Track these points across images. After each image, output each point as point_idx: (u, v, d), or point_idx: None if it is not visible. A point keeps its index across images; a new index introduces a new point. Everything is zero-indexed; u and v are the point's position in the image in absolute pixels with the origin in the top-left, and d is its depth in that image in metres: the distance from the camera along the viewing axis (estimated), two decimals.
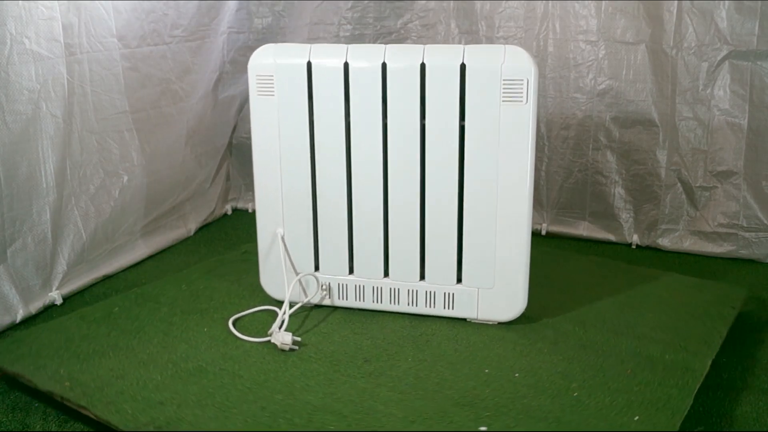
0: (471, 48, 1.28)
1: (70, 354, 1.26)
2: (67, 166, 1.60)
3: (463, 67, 1.27)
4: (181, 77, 1.94)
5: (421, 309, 1.40)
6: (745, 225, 1.85)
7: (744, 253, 1.86)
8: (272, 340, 1.29)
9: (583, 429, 1.06)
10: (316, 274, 1.42)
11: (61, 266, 1.61)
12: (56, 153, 1.55)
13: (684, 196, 1.91)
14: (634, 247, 1.97)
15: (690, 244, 1.92)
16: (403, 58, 1.29)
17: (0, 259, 1.47)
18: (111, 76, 1.70)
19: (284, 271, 1.40)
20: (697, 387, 1.17)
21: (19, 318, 1.49)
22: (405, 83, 1.29)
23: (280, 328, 1.32)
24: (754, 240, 1.85)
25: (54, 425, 1.17)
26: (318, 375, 1.20)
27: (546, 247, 1.82)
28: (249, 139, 1.42)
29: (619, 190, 1.97)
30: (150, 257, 1.88)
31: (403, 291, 1.40)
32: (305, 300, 1.43)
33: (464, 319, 1.39)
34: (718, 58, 1.78)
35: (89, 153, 1.66)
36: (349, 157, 1.35)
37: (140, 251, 1.85)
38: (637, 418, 1.08)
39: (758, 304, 1.61)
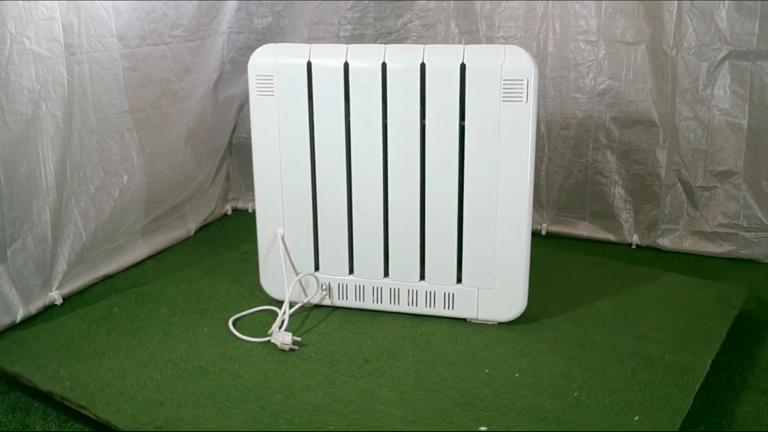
0: (471, 48, 1.28)
1: (70, 354, 1.26)
2: (67, 166, 1.60)
3: (463, 67, 1.27)
4: (181, 77, 1.94)
5: (421, 309, 1.40)
6: (745, 225, 1.85)
7: (744, 253, 1.86)
8: (272, 340, 1.29)
9: (584, 429, 1.06)
10: (316, 274, 1.42)
11: (61, 266, 1.61)
12: (56, 153, 1.55)
13: (684, 196, 1.91)
14: (634, 247, 1.97)
15: (690, 244, 1.92)
16: (403, 58, 1.29)
17: (0, 259, 1.47)
18: (111, 76, 1.70)
19: (284, 271, 1.40)
20: (697, 387, 1.17)
21: (19, 318, 1.49)
22: (405, 83, 1.29)
23: (280, 328, 1.32)
24: (754, 240, 1.85)
25: (54, 425, 1.17)
26: (318, 375, 1.20)
27: (546, 247, 1.82)
28: (249, 139, 1.42)
29: (619, 190, 1.97)
30: (150, 257, 1.88)
31: (403, 291, 1.40)
32: (305, 300, 1.43)
33: (464, 319, 1.39)
34: (718, 58, 1.78)
35: (89, 153, 1.66)
36: (349, 158, 1.35)
37: (140, 251, 1.85)
38: (637, 418, 1.08)
39: (758, 304, 1.61)
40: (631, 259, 1.85)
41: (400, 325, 1.38)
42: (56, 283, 1.60)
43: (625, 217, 1.98)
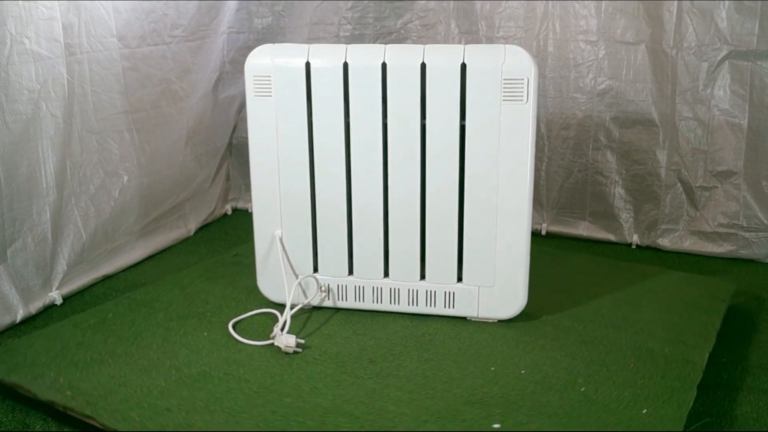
0: (471, 48, 1.28)
1: (67, 362, 1.24)
2: (67, 166, 1.60)
3: (463, 66, 1.27)
4: (181, 77, 1.94)
5: (422, 309, 1.40)
6: (745, 225, 1.85)
7: (744, 253, 1.86)
8: (275, 343, 1.28)
9: (594, 424, 1.07)
10: (316, 275, 1.42)
11: (61, 266, 1.61)
12: (56, 153, 1.55)
13: (684, 196, 1.91)
14: (634, 247, 1.97)
15: (690, 244, 1.92)
16: (403, 58, 1.29)
17: (0, 259, 1.47)
18: (111, 76, 1.70)
19: (284, 274, 1.40)
20: (699, 379, 1.19)
21: (19, 318, 1.49)
22: (405, 83, 1.29)
23: (282, 330, 1.31)
24: (754, 240, 1.85)
25: (54, 425, 1.17)
26: (325, 377, 1.20)
27: (546, 246, 1.82)
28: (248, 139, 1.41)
29: (619, 190, 1.97)
30: (150, 257, 1.87)
31: (403, 291, 1.40)
32: (305, 302, 1.43)
33: (464, 318, 1.39)
34: (718, 58, 1.79)
35: (89, 153, 1.66)
36: (348, 158, 1.35)
37: (140, 251, 1.85)
38: (645, 411, 1.09)
39: (758, 304, 1.61)
40: (631, 259, 1.85)
41: (401, 324, 1.38)
42: (56, 283, 1.60)
43: (625, 217, 1.98)
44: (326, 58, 1.31)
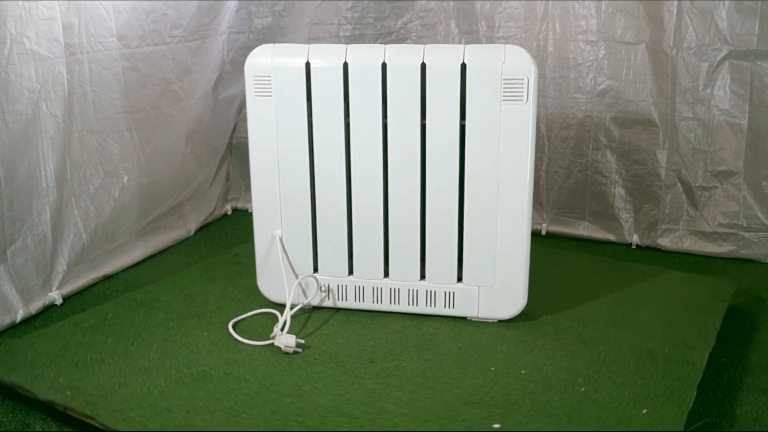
0: (471, 48, 1.28)
1: (67, 362, 1.23)
2: (67, 166, 1.60)
3: (463, 66, 1.27)
4: (181, 77, 1.94)
5: (422, 309, 1.40)
6: (745, 225, 1.85)
7: (744, 253, 1.86)
8: (276, 343, 1.28)
9: (594, 424, 1.07)
10: (316, 275, 1.42)
11: (61, 266, 1.61)
12: (56, 153, 1.55)
13: (684, 196, 1.91)
14: (634, 247, 1.97)
15: (690, 244, 1.92)
16: (403, 58, 1.29)
17: (0, 259, 1.47)
18: (111, 76, 1.70)
19: (284, 274, 1.40)
20: (699, 379, 1.19)
21: (19, 318, 1.49)
22: (405, 83, 1.29)
23: (282, 330, 1.31)
24: (754, 240, 1.85)
25: (54, 425, 1.17)
26: (325, 377, 1.20)
27: (546, 246, 1.82)
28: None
29: (619, 190, 1.97)
30: (150, 257, 1.88)
31: (403, 291, 1.40)
32: (305, 302, 1.43)
33: (464, 318, 1.39)
34: (718, 58, 1.79)
35: (89, 153, 1.66)
36: (348, 158, 1.35)
37: (140, 251, 1.85)
38: (645, 411, 1.09)
39: (758, 304, 1.61)
40: (631, 259, 1.85)
41: (401, 324, 1.38)
42: (56, 283, 1.60)
43: (625, 217, 1.98)
44: (326, 58, 1.31)
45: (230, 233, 2.10)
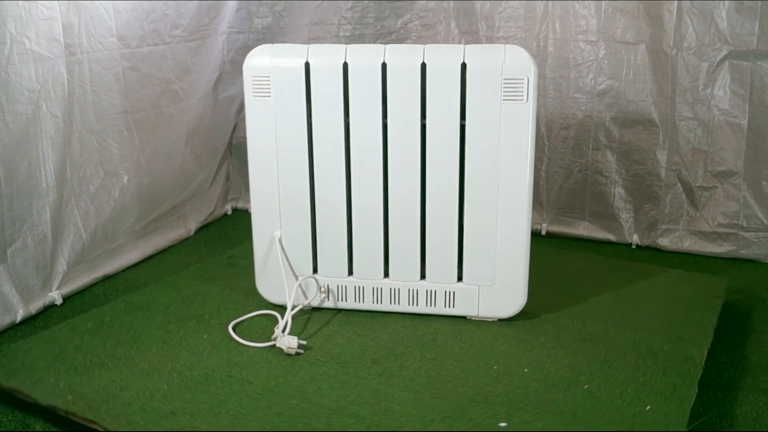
0: (471, 47, 1.28)
1: (66, 366, 1.22)
2: (67, 166, 1.60)
3: (463, 66, 1.27)
4: (181, 77, 1.94)
5: (422, 308, 1.40)
6: (745, 225, 1.85)
7: (744, 253, 1.86)
8: (277, 344, 1.28)
9: (599, 421, 1.07)
10: (315, 276, 1.42)
11: (61, 266, 1.61)
12: (56, 153, 1.55)
13: (684, 196, 1.91)
14: (634, 247, 1.97)
15: (690, 244, 1.92)
16: (403, 58, 1.29)
17: (0, 259, 1.47)
18: (111, 76, 1.70)
19: (284, 275, 1.40)
20: (699, 375, 1.19)
21: (19, 318, 1.49)
22: (405, 83, 1.29)
23: (283, 331, 1.31)
24: (754, 240, 1.85)
25: (54, 426, 1.17)
26: (329, 378, 1.20)
27: (545, 246, 1.82)
28: None
29: (619, 190, 1.97)
30: (150, 257, 1.87)
31: (403, 291, 1.40)
32: (305, 302, 1.43)
33: (464, 317, 1.39)
34: (718, 58, 1.79)
35: (89, 153, 1.66)
36: (348, 158, 1.35)
37: (140, 251, 1.85)
38: (648, 407, 1.10)
39: (758, 304, 1.61)
40: (630, 260, 1.85)
41: (402, 324, 1.38)
42: (56, 283, 1.60)
43: (625, 217, 1.98)
44: (326, 58, 1.31)
45: (230, 233, 2.10)
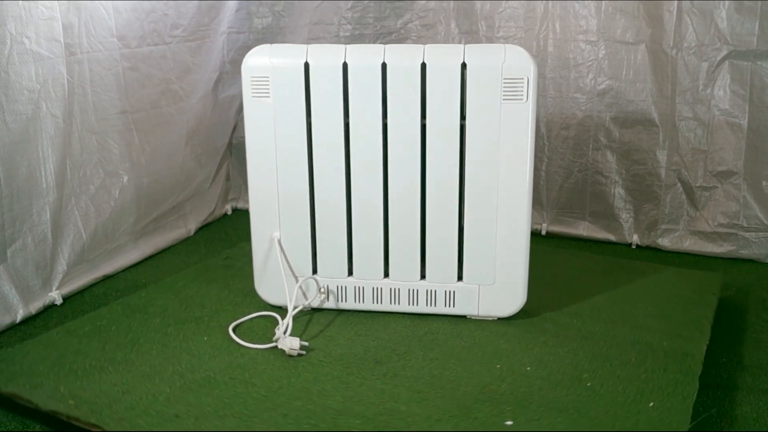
0: (471, 47, 1.28)
1: (66, 371, 1.21)
2: (67, 166, 1.60)
3: (463, 66, 1.27)
4: (181, 77, 1.94)
5: (422, 308, 1.40)
6: (745, 225, 1.85)
7: (744, 253, 1.86)
8: (279, 346, 1.27)
9: (604, 418, 1.08)
10: (315, 277, 1.42)
11: (61, 266, 1.60)
12: (56, 153, 1.55)
13: (684, 196, 1.91)
14: (634, 247, 1.97)
15: (690, 244, 1.92)
16: (403, 58, 1.29)
17: (0, 259, 1.47)
18: (111, 76, 1.70)
19: (284, 276, 1.39)
20: (699, 371, 1.20)
21: (19, 318, 1.49)
22: (405, 83, 1.29)
23: (285, 333, 1.31)
24: (754, 240, 1.85)
25: (53, 420, 1.17)
26: (332, 379, 1.19)
27: (545, 246, 1.82)
28: None
29: (619, 190, 1.97)
30: (150, 257, 1.87)
31: (403, 291, 1.40)
32: (305, 303, 1.42)
33: (464, 316, 1.40)
34: (718, 58, 1.79)
35: (89, 153, 1.66)
36: (348, 158, 1.35)
37: (140, 251, 1.85)
38: (652, 404, 1.11)
39: (758, 304, 1.61)
40: (630, 259, 1.85)
41: (402, 324, 1.38)
42: (56, 283, 1.60)
43: (625, 217, 1.98)
44: (325, 58, 1.31)
45: (230, 233, 2.10)
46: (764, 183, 1.81)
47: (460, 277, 1.38)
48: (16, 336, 1.45)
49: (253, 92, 1.33)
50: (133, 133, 1.78)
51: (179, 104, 1.95)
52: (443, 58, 1.28)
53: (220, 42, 2.09)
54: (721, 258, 1.88)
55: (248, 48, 1.38)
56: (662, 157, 1.90)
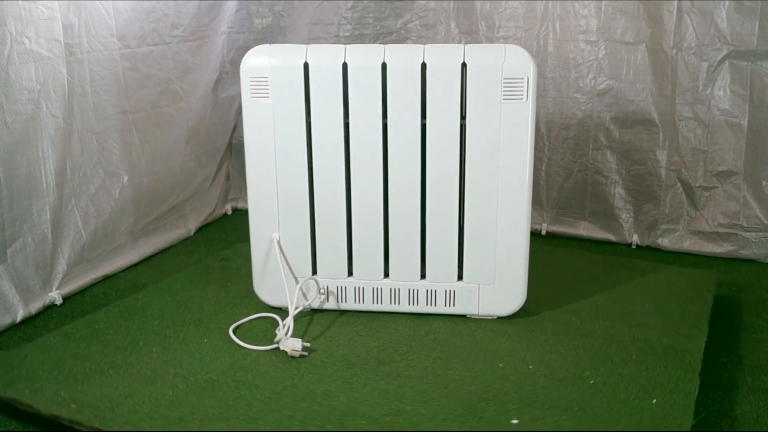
0: (471, 47, 1.28)
1: (65, 374, 1.20)
2: (67, 166, 1.60)
3: (463, 66, 1.27)
4: (181, 77, 1.94)
5: (422, 308, 1.40)
6: (745, 225, 1.85)
7: (744, 253, 1.86)
8: (281, 347, 1.27)
9: (608, 416, 1.08)
10: (315, 277, 1.42)
11: (61, 266, 1.60)
12: (56, 153, 1.55)
13: (684, 196, 1.91)
14: (634, 247, 1.97)
15: (690, 244, 1.92)
16: (403, 58, 1.29)
17: (0, 259, 1.47)
18: (111, 76, 1.70)
19: (284, 277, 1.39)
20: (699, 368, 1.21)
21: (19, 318, 1.49)
22: (405, 83, 1.29)
23: (286, 334, 1.30)
24: (754, 240, 1.85)
25: (54, 425, 1.17)
26: (336, 380, 1.19)
27: (545, 246, 1.82)
28: None
29: (619, 190, 1.97)
30: (150, 257, 1.87)
31: (403, 291, 1.40)
32: (306, 304, 1.42)
33: (464, 316, 1.40)
34: (718, 58, 1.78)
35: (89, 153, 1.66)
36: (348, 158, 1.35)
37: (140, 251, 1.85)
38: (654, 401, 1.11)
39: (758, 304, 1.61)
40: (630, 259, 1.85)
41: (403, 324, 1.38)
42: (56, 283, 1.60)
43: (625, 217, 1.98)
44: (325, 58, 1.31)
45: (230, 233, 2.10)
46: (764, 183, 1.81)
47: (460, 277, 1.38)
48: (16, 336, 1.45)
49: (252, 92, 1.33)
50: (133, 133, 1.78)
51: (179, 104, 1.95)
52: (443, 58, 1.28)
53: (220, 42, 2.09)
54: (721, 258, 1.88)
55: (248, 48, 1.38)
56: (662, 157, 1.90)
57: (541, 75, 1.94)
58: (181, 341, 1.33)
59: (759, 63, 1.75)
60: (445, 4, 2.04)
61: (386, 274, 1.40)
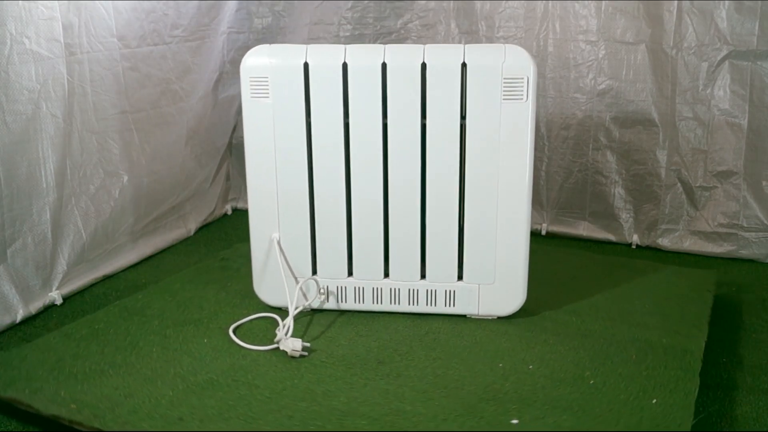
0: (471, 47, 1.28)
1: (65, 374, 1.20)
2: (67, 166, 1.60)
3: (463, 66, 1.27)
4: (181, 77, 1.94)
5: (422, 308, 1.40)
6: (745, 225, 1.85)
7: (744, 253, 1.86)
8: (281, 347, 1.27)
9: (608, 416, 1.08)
10: (315, 277, 1.42)
11: (61, 266, 1.60)
12: (56, 153, 1.55)
13: (684, 196, 1.91)
14: (634, 247, 1.97)
15: (690, 244, 1.92)
16: (403, 58, 1.29)
17: (0, 259, 1.47)
18: (111, 76, 1.70)
19: (284, 277, 1.39)
20: (699, 368, 1.21)
21: (19, 318, 1.49)
22: (405, 83, 1.29)
23: (286, 334, 1.30)
24: (754, 240, 1.85)
25: (54, 425, 1.17)
26: (336, 380, 1.19)
27: (545, 246, 1.82)
28: None
29: (619, 190, 1.97)
30: (150, 257, 1.87)
31: (403, 291, 1.40)
32: (306, 304, 1.42)
33: (464, 316, 1.40)
34: (718, 58, 1.79)
35: (89, 153, 1.66)
36: (348, 158, 1.35)
37: (140, 251, 1.85)
38: (654, 401, 1.11)
39: (758, 304, 1.61)
40: (630, 259, 1.85)
41: (403, 324, 1.38)
42: (56, 283, 1.60)
43: (625, 217, 1.98)
44: (325, 58, 1.31)
45: (230, 233, 2.10)
46: (764, 183, 1.81)
47: (460, 277, 1.38)
48: (16, 336, 1.45)
49: (252, 92, 1.33)
50: (133, 133, 1.78)
51: (179, 104, 1.95)
52: (443, 58, 1.28)
53: (220, 42, 2.10)
54: (721, 258, 1.88)
55: (248, 48, 1.38)
56: (662, 157, 1.90)
57: (541, 75, 1.94)
58: (181, 341, 1.33)
59: (759, 63, 1.75)
60: (445, 4, 2.04)
61: (386, 274, 1.40)
